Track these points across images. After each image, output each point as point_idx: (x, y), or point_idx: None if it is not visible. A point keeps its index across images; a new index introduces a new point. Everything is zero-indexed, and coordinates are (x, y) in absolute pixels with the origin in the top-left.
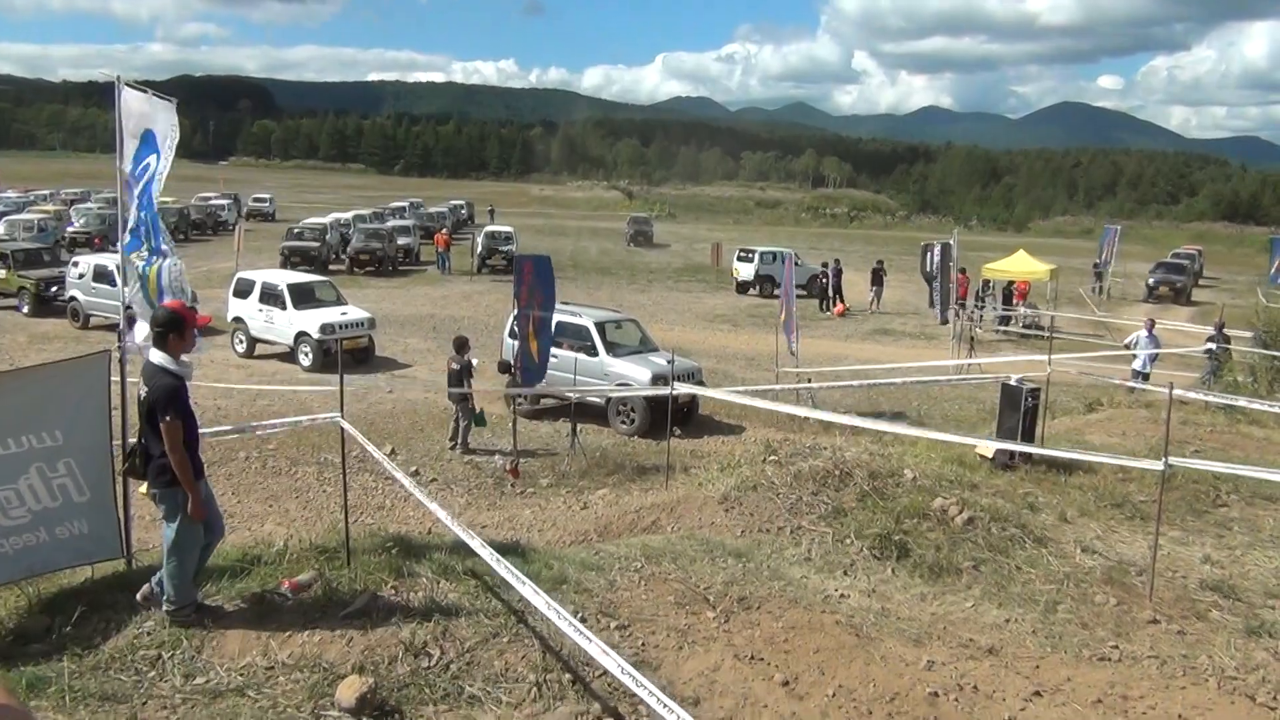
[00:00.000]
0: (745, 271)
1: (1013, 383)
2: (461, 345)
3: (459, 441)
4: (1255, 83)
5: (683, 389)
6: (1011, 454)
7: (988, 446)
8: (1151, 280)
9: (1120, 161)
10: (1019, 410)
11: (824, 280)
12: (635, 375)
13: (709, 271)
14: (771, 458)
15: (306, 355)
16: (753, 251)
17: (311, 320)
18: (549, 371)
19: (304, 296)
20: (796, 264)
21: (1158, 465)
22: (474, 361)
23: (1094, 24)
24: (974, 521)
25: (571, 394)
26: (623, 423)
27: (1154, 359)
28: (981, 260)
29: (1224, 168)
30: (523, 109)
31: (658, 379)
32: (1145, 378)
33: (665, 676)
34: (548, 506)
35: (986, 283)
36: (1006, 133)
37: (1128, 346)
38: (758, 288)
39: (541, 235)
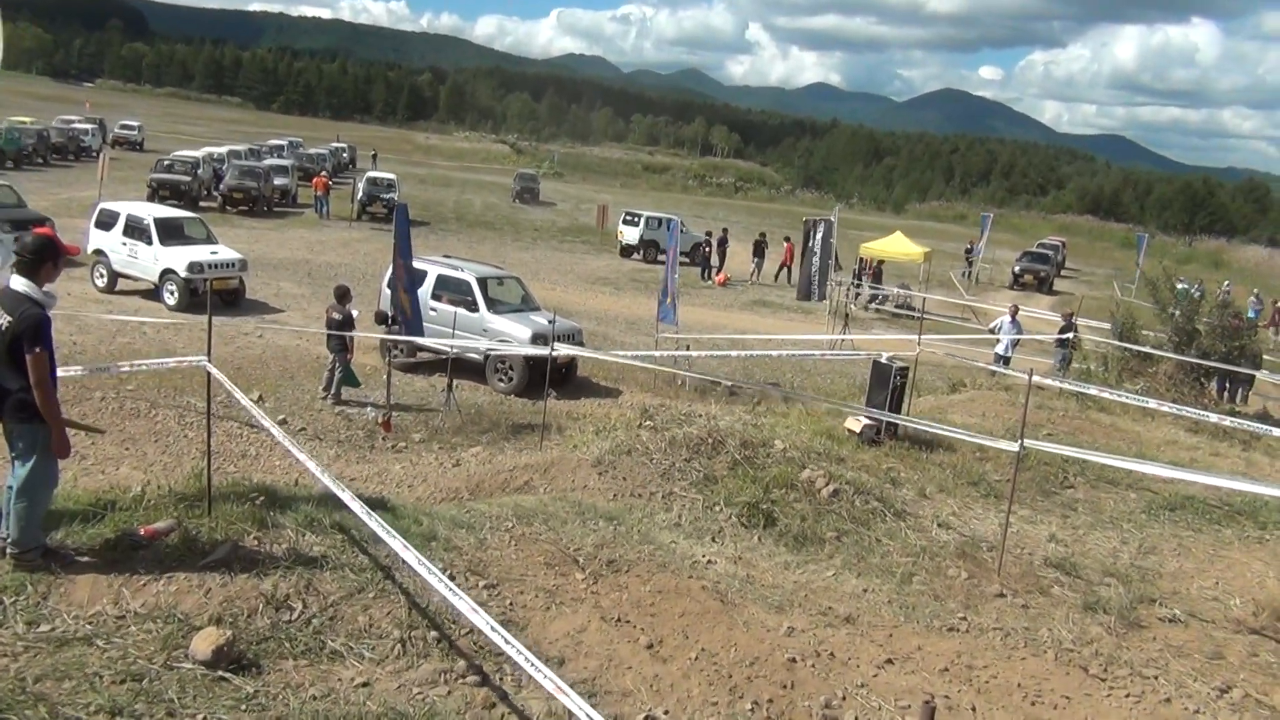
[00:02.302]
0: (630, 235)
1: (883, 360)
2: (343, 294)
3: (331, 392)
4: (1124, 84)
5: (562, 349)
6: (878, 429)
7: (856, 420)
8: (1017, 268)
9: (995, 150)
10: (887, 387)
11: (707, 249)
12: (515, 333)
13: (594, 233)
14: (647, 423)
15: (172, 294)
16: (639, 215)
17: (179, 258)
18: (428, 325)
19: (172, 232)
20: (681, 231)
21: (1014, 447)
22: (355, 312)
23: (978, 14)
24: (839, 493)
25: (449, 348)
26: (500, 380)
27: (1016, 344)
28: (860, 239)
29: (1091, 163)
30: (411, 53)
31: (538, 338)
32: (1006, 362)
33: (532, 636)
34: (419, 462)
35: (862, 261)
36: (890, 114)
37: (992, 331)
38: (642, 252)
39: (425, 185)
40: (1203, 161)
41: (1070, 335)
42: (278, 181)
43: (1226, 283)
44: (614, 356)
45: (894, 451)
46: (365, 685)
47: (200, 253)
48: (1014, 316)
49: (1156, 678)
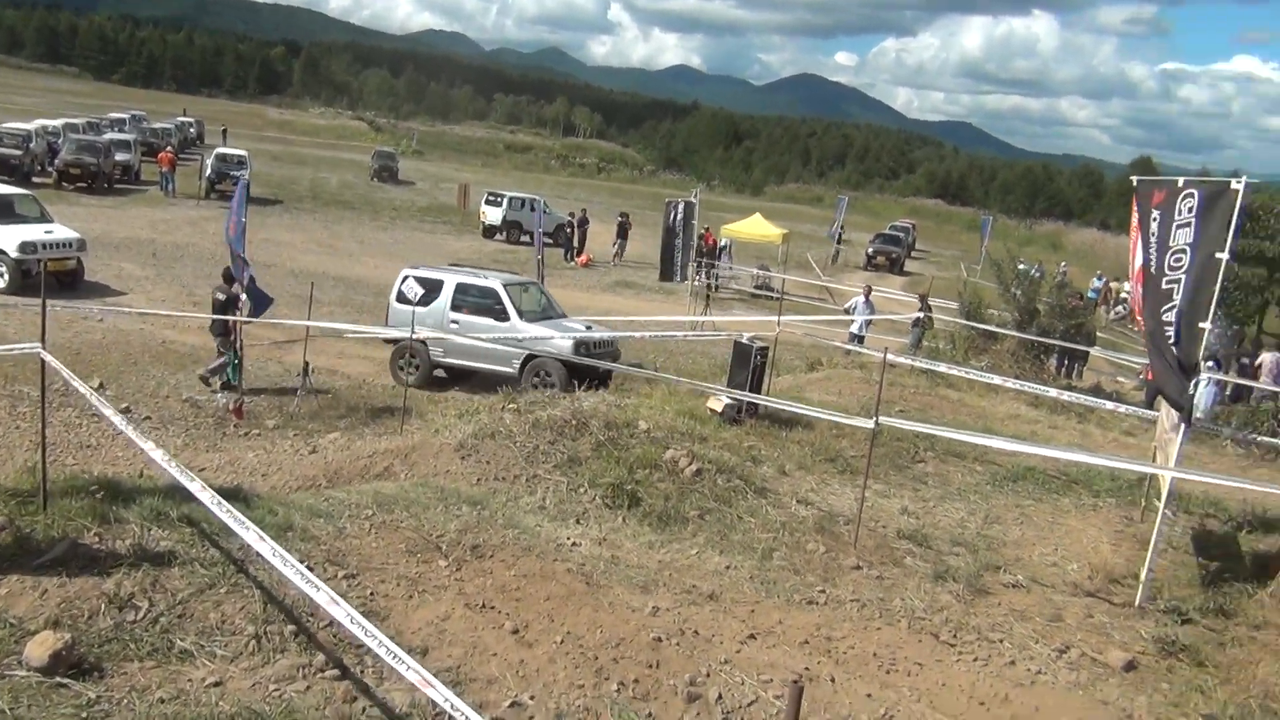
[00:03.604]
0: (493, 215)
1: (744, 340)
2: (229, 276)
3: (219, 380)
4: (970, 73)
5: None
6: (739, 408)
7: (718, 400)
8: (870, 250)
9: (850, 134)
10: (748, 367)
11: (570, 230)
12: (555, 342)
13: (455, 213)
14: (510, 406)
15: (2, 276)
16: (502, 195)
17: (9, 237)
18: (459, 340)
19: (1, 210)
20: (545, 212)
21: (868, 424)
22: (242, 296)
23: (834, 1)
24: (702, 473)
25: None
26: (536, 386)
27: (869, 324)
28: (721, 221)
29: (939, 149)
30: (263, 25)
31: (580, 346)
32: (861, 341)
33: (394, 626)
34: (274, 449)
35: (725, 244)
36: (750, 98)
37: (847, 311)
38: (505, 233)
39: (278, 162)
40: (1042, 148)
41: (923, 314)
42: (119, 157)
43: (1064, 264)
44: (474, 339)
45: (755, 430)
46: (217, 685)
47: (33, 232)
48: (867, 297)
49: (1001, 641)
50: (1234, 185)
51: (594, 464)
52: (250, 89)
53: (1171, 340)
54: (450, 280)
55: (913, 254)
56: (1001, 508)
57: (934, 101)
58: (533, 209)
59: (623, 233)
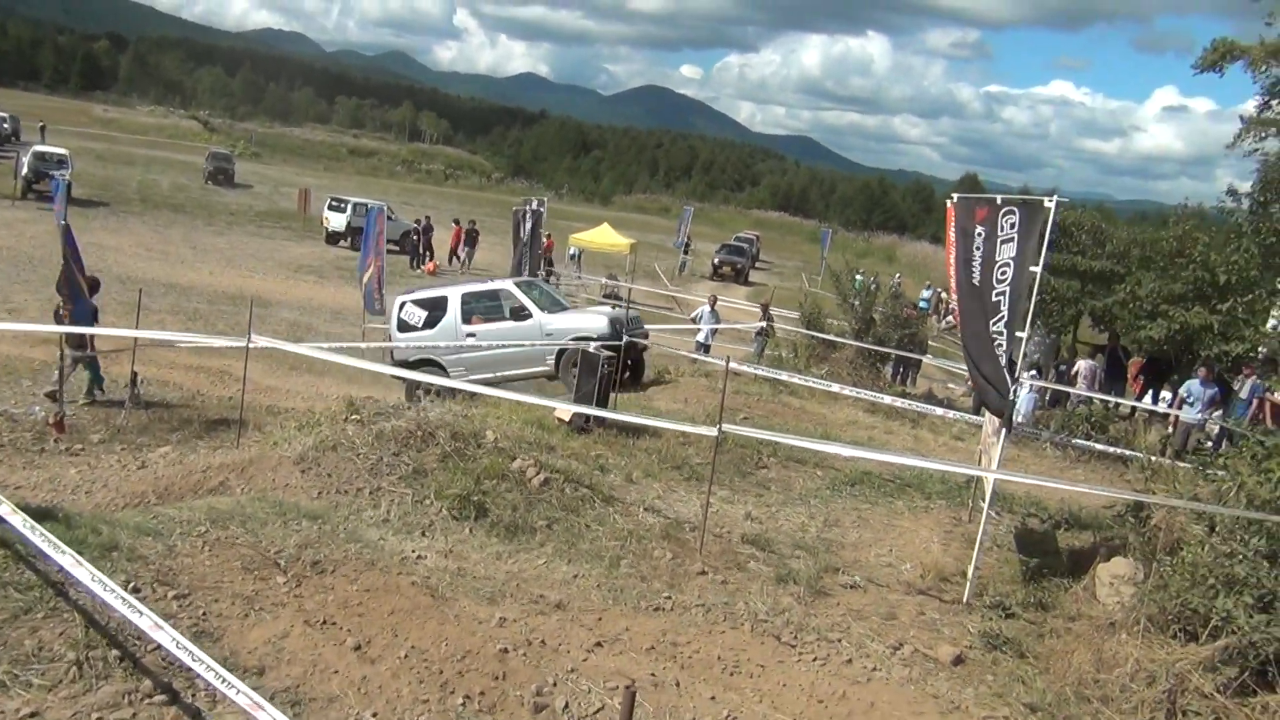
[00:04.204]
0: (337, 221)
1: (592, 350)
2: (94, 285)
3: (89, 391)
4: (810, 89)
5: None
6: (587, 418)
7: (565, 410)
8: (716, 260)
9: (696, 146)
10: (596, 376)
11: (416, 237)
12: (589, 325)
13: (295, 218)
14: (354, 417)
15: None
16: (346, 201)
17: None
18: (484, 353)
19: None
20: (391, 219)
21: (712, 431)
22: (95, 305)
23: (679, 15)
24: (550, 482)
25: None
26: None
27: (715, 333)
28: (570, 229)
29: (782, 162)
30: (86, 16)
31: (615, 323)
32: (707, 350)
33: (228, 647)
34: (99, 465)
35: (575, 253)
36: (598, 108)
37: (694, 320)
38: (350, 239)
39: (104, 162)
40: (879, 163)
41: (765, 324)
42: None
43: (898, 275)
44: (314, 350)
45: (603, 439)
46: (34, 715)
47: None
48: (713, 306)
49: (840, 640)
50: (1046, 203)
51: (440, 475)
52: (72, 84)
53: (1003, 350)
54: (454, 293)
55: (757, 265)
56: (840, 511)
57: (776, 116)
58: (388, 215)
59: (471, 240)
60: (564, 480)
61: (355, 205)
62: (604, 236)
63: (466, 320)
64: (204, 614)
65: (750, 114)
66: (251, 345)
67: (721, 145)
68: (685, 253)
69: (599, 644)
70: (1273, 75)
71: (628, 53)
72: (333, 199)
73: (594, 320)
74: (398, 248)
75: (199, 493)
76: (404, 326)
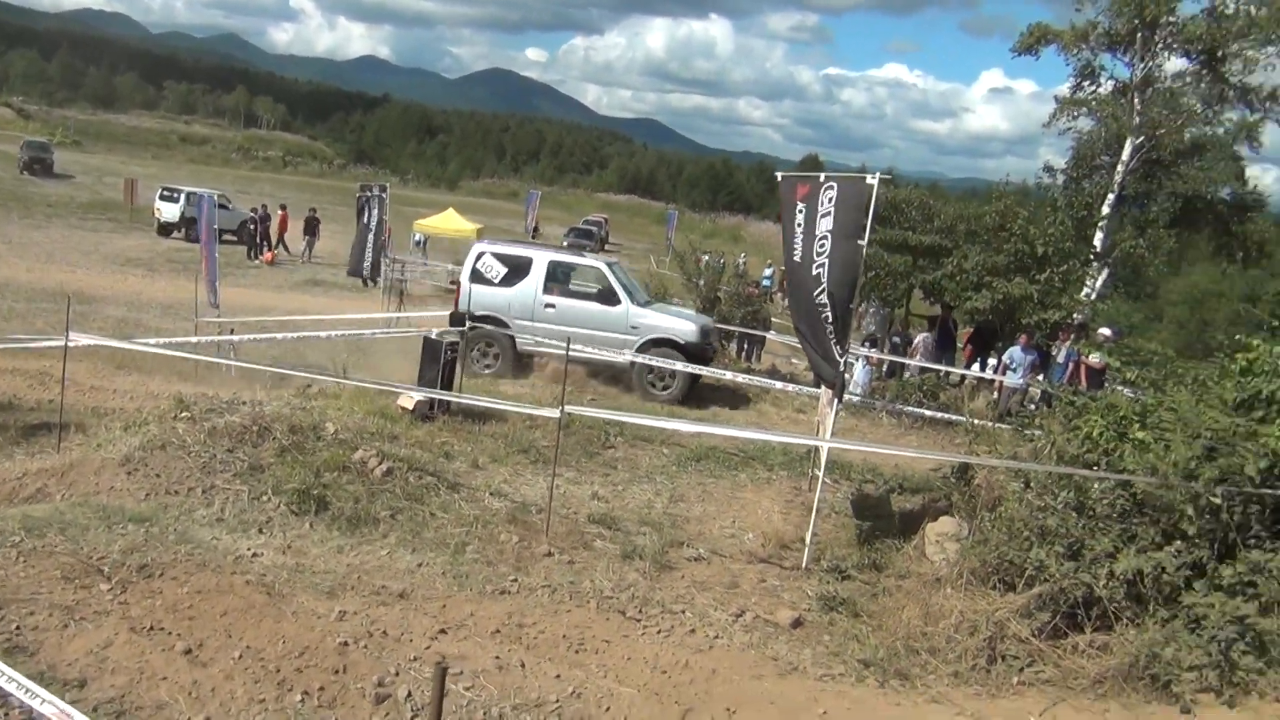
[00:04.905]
0: (169, 212)
1: (434, 336)
2: None
3: None
4: (655, 71)
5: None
6: (431, 405)
7: (409, 398)
8: (565, 243)
9: (543, 130)
10: (439, 363)
11: (254, 226)
12: (678, 328)
13: (121, 209)
14: (184, 414)
15: None
16: (178, 191)
17: None
18: (554, 325)
19: None
20: (227, 208)
21: (556, 413)
22: None
23: None
24: (393, 472)
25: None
26: (656, 387)
27: None
28: (415, 215)
29: (629, 145)
30: None
31: (705, 333)
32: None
33: (45, 660)
34: None
35: (420, 239)
36: (442, 91)
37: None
38: (183, 230)
39: None
40: (724, 145)
41: None
42: None
43: (743, 255)
44: (142, 345)
45: (448, 426)
46: None
47: None
48: None
49: (684, 611)
50: (869, 180)
51: (278, 470)
52: None
53: (828, 320)
54: (541, 257)
55: (606, 247)
56: (686, 486)
57: (622, 99)
58: (221, 205)
59: (311, 229)
60: (408, 469)
61: (189, 195)
62: (450, 222)
63: (548, 289)
64: (18, 628)
65: (597, 97)
66: (71, 344)
67: (569, 128)
68: (533, 237)
69: (443, 631)
70: (1083, 58)
71: (471, 35)
72: (164, 189)
73: (683, 324)
74: (235, 238)
75: (14, 501)
76: (478, 277)
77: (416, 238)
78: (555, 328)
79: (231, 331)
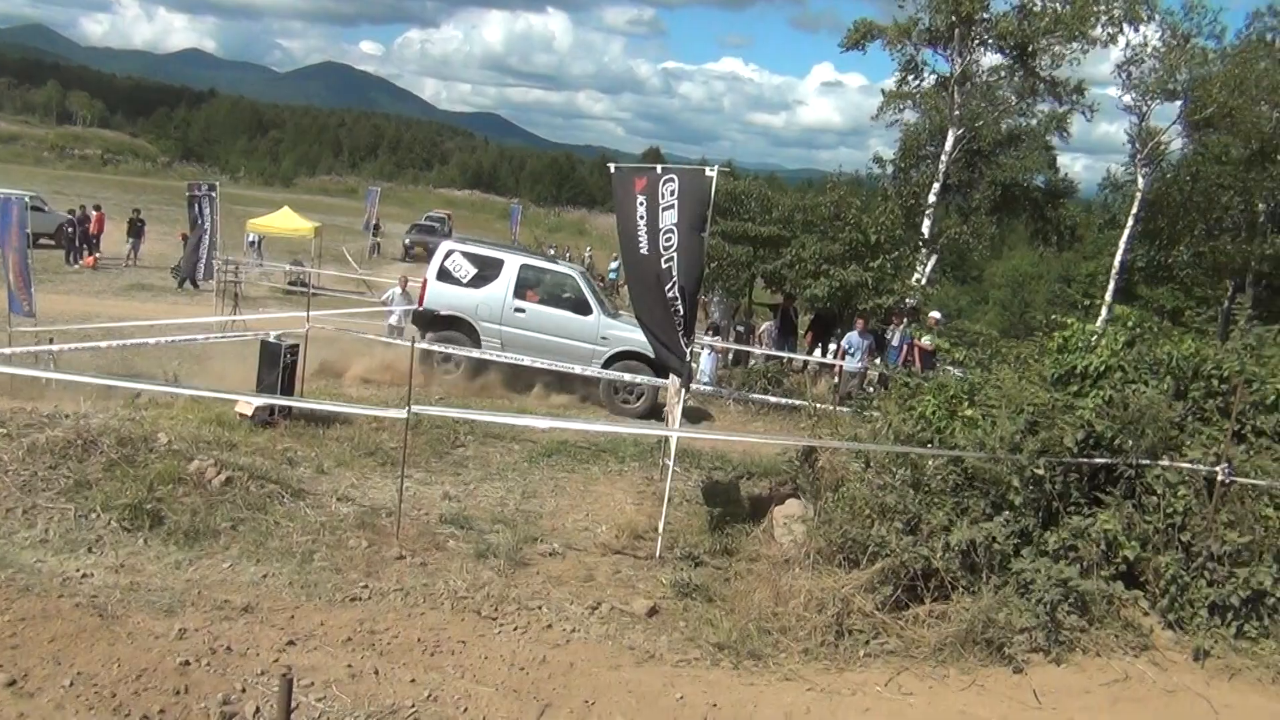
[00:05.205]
0: None
1: (272, 339)
2: None
3: None
4: (494, 65)
5: None
6: (271, 410)
7: (248, 404)
8: (407, 240)
9: (381, 125)
10: (278, 367)
11: (72, 229)
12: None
13: None
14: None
15: None
16: None
17: None
18: (525, 334)
19: None
20: (42, 210)
21: (403, 414)
22: None
23: None
24: (232, 481)
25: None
26: (624, 402)
27: (408, 314)
28: (248, 215)
29: (470, 139)
30: None
31: None
32: (400, 332)
33: None
34: None
35: (255, 239)
36: (273, 86)
37: (384, 303)
38: None
39: None
40: (565, 139)
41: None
42: None
43: (589, 248)
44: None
45: (290, 431)
46: None
47: None
48: (404, 288)
49: (540, 607)
50: (708, 172)
51: (107, 485)
52: None
53: (678, 314)
54: (512, 260)
55: None
56: (538, 482)
57: (462, 93)
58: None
59: (136, 231)
60: (249, 478)
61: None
62: (285, 221)
63: (520, 294)
64: None
65: (436, 91)
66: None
67: (408, 123)
68: (375, 235)
69: (291, 642)
70: (906, 53)
71: (302, 28)
72: None
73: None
74: (52, 242)
75: None
76: (445, 276)
77: (251, 238)
78: (524, 333)
79: (50, 341)
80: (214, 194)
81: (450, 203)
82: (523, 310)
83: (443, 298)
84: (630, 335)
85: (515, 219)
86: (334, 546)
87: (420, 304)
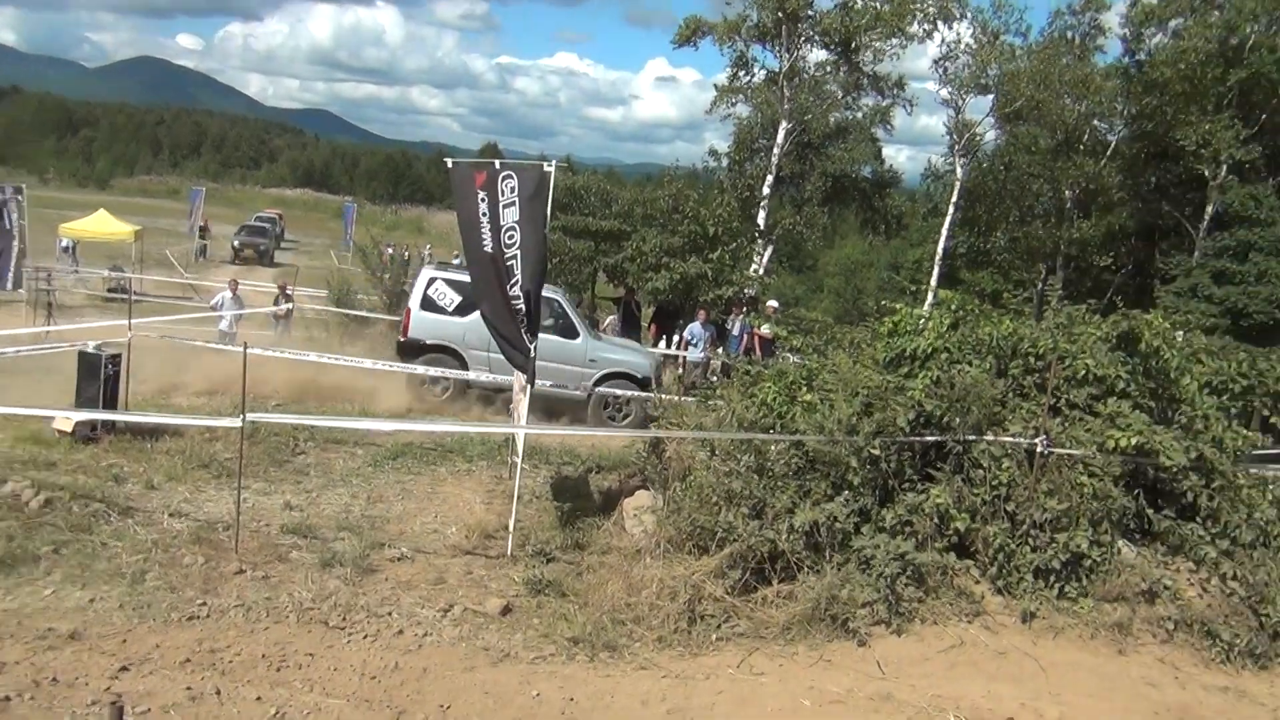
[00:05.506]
0: None
1: (91, 350)
2: None
3: None
4: (323, 60)
5: None
6: (94, 425)
7: (66, 419)
8: (236, 242)
9: (203, 122)
10: (99, 378)
11: None
12: (635, 363)
13: None
14: None
15: None
16: None
17: None
18: (491, 355)
19: None
20: None
21: (237, 422)
22: None
23: None
24: (52, 502)
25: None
26: (611, 419)
27: (239, 318)
28: (61, 219)
29: (300, 137)
30: None
31: (655, 368)
32: (232, 337)
33: None
34: None
35: (68, 245)
36: (83, 82)
37: (214, 308)
38: None
39: None
40: (401, 135)
41: (288, 306)
42: None
43: (428, 246)
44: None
45: (115, 446)
46: None
47: None
48: (234, 291)
49: (390, 614)
50: (546, 168)
51: None
52: None
53: (521, 311)
54: None
55: (282, 244)
56: (384, 486)
57: (289, 89)
58: None
59: None
60: (70, 498)
61: None
62: (101, 224)
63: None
64: None
65: (262, 87)
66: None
67: (233, 121)
68: (201, 237)
69: (124, 668)
70: (736, 49)
71: (113, 20)
72: None
73: (639, 359)
74: None
75: None
76: (429, 305)
77: (64, 243)
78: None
79: None
80: (20, 197)
81: (281, 202)
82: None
83: (429, 327)
84: (618, 357)
85: (350, 218)
86: (168, 565)
87: (405, 334)
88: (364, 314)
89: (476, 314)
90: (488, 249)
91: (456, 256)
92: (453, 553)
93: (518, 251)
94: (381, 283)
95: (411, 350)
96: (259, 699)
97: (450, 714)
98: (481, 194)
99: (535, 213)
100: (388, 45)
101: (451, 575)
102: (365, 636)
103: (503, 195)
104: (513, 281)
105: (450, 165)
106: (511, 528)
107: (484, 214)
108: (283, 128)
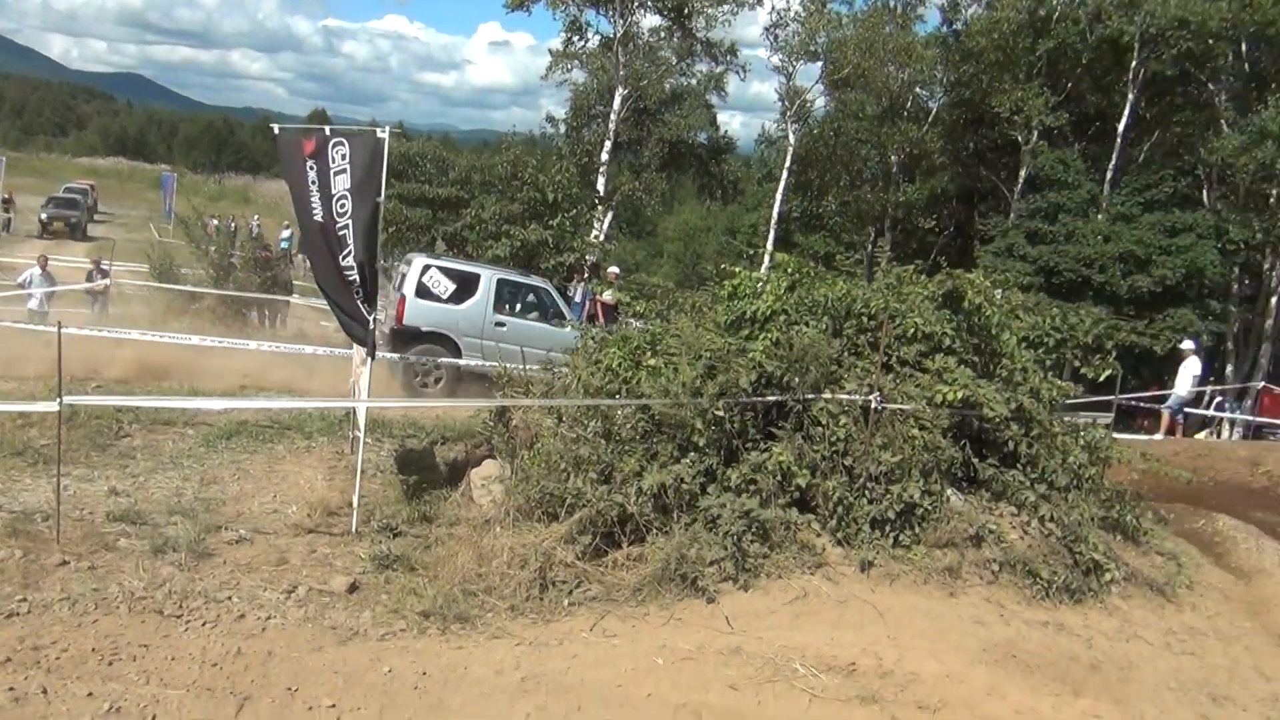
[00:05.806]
0: None
1: None
2: None
3: None
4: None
5: None
6: None
7: None
8: (44, 215)
9: (1, 87)
10: None
11: None
12: None
13: None
14: None
15: None
16: None
17: None
18: (506, 347)
19: None
20: None
21: (54, 406)
22: None
23: None
24: None
25: None
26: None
27: (51, 296)
28: None
29: (111, 103)
30: None
31: None
32: (44, 317)
33: None
34: None
35: None
36: None
37: (22, 285)
38: None
39: None
40: (222, 101)
41: (105, 282)
42: None
43: (256, 217)
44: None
45: None
46: None
47: None
48: (44, 268)
49: (230, 598)
50: (380, 134)
51: None
52: None
53: (356, 283)
54: (488, 274)
55: (95, 217)
56: (218, 467)
57: (97, 51)
58: None
59: None
60: None
61: None
62: None
63: (498, 307)
64: None
65: (65, 49)
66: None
67: (34, 85)
68: (4, 210)
69: None
70: (570, 14)
71: None
72: None
73: None
74: None
75: None
76: (424, 293)
77: None
78: (506, 346)
79: None
80: None
81: (93, 172)
82: (503, 324)
83: (424, 314)
84: None
85: (169, 188)
86: None
87: (399, 322)
88: (190, 288)
89: (470, 302)
90: (318, 218)
91: (287, 226)
92: (295, 532)
93: (349, 221)
94: (207, 255)
95: (406, 337)
96: (90, 695)
97: (299, 697)
98: (311, 162)
99: (368, 181)
100: (203, 6)
101: (294, 555)
102: (204, 623)
103: (333, 163)
104: (345, 252)
105: (277, 132)
106: (355, 504)
107: (313, 182)
108: (91, 93)
